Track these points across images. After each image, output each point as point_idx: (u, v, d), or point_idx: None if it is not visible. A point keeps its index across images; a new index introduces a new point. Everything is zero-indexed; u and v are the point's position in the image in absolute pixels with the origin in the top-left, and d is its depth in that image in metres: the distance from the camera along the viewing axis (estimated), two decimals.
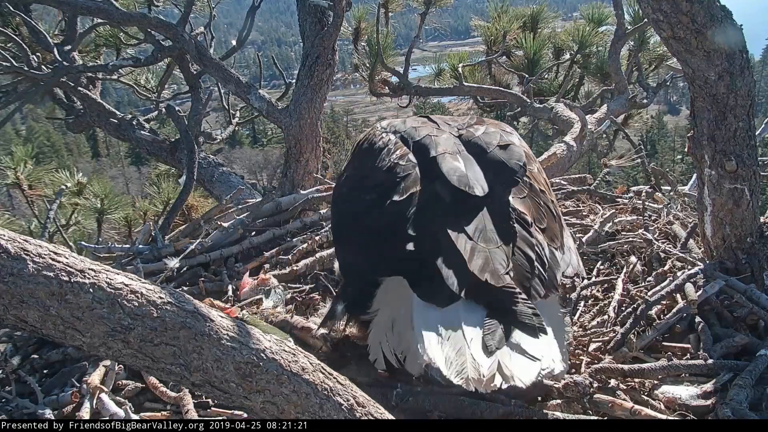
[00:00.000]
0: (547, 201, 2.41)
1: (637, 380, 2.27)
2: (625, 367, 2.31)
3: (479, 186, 2.19)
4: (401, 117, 2.70)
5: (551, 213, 2.38)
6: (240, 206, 4.05)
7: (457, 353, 1.83)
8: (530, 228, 2.18)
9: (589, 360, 2.41)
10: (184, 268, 3.41)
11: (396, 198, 2.17)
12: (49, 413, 2.24)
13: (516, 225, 2.15)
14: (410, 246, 2.09)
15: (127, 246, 3.77)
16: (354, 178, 2.55)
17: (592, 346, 2.50)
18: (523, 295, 1.96)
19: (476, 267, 1.94)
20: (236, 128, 7.18)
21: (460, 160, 2.27)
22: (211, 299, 2.86)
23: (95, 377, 2.30)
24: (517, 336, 1.87)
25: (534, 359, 1.83)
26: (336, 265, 3.01)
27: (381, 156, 2.37)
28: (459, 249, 1.99)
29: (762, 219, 2.89)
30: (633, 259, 3.16)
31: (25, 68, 5.36)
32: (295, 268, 3.33)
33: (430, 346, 1.88)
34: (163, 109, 6.35)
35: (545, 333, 1.92)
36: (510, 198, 2.24)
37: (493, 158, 2.35)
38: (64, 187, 5.59)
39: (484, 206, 2.14)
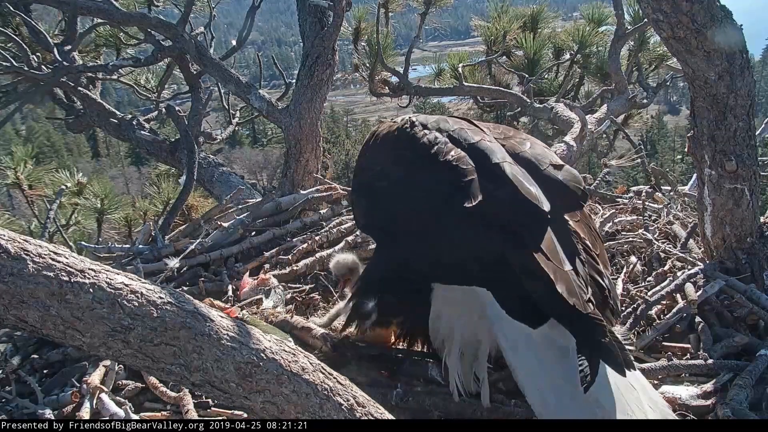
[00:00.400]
0: (595, 226, 2.36)
1: None
2: None
3: (546, 201, 2.07)
4: (429, 115, 2.51)
5: (600, 239, 2.33)
6: (240, 206, 4.05)
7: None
8: (591, 253, 2.14)
9: None
10: (184, 268, 3.41)
11: (467, 204, 2.05)
12: (49, 413, 2.24)
13: (580, 248, 2.11)
14: (492, 257, 2.00)
15: (127, 246, 3.77)
16: (391, 174, 2.35)
17: None
18: (609, 326, 1.92)
19: (562, 289, 1.87)
20: (236, 128, 7.18)
21: (521, 172, 2.15)
22: (211, 299, 2.86)
23: (95, 377, 2.30)
24: (611, 374, 1.88)
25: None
26: (332, 263, 2.93)
27: (431, 155, 2.21)
28: (543, 267, 1.91)
29: (762, 219, 2.90)
30: (633, 259, 3.17)
31: (25, 68, 5.36)
32: (295, 268, 3.33)
33: (547, 398, 1.90)
34: (163, 109, 6.35)
35: (634, 368, 1.94)
36: (568, 219, 2.17)
37: (549, 176, 2.21)
38: (64, 187, 5.58)
39: (548, 224, 2.05)
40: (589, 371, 1.79)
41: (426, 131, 2.31)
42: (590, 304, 1.91)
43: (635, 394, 1.93)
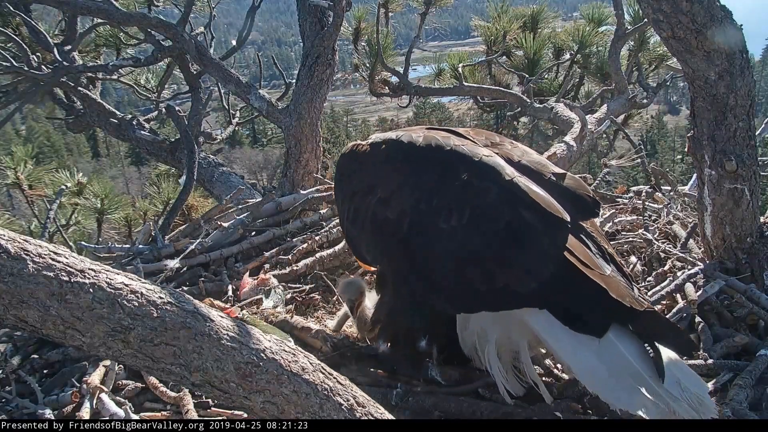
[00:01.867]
0: (602, 232, 2.35)
1: None
2: None
3: (565, 211, 2.06)
4: (410, 129, 2.42)
5: (609, 244, 2.33)
6: (240, 206, 4.05)
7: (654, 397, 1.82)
8: (614, 258, 2.14)
9: None
10: (184, 268, 3.41)
11: (494, 227, 2.04)
12: (49, 413, 2.24)
13: (607, 253, 2.11)
14: (539, 276, 1.97)
15: (127, 246, 3.77)
16: (397, 201, 2.21)
17: None
18: (665, 316, 1.96)
19: (615, 294, 1.88)
20: (236, 128, 7.18)
21: (534, 184, 2.12)
22: (211, 299, 2.86)
23: (95, 377, 2.30)
24: (680, 363, 1.94)
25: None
26: (341, 288, 2.75)
27: (438, 178, 2.15)
28: (591, 276, 1.91)
29: (762, 219, 2.90)
30: (633, 259, 3.17)
31: (25, 68, 5.37)
32: (295, 268, 3.33)
33: (628, 395, 1.84)
34: (163, 109, 6.35)
35: (697, 350, 2.00)
36: (584, 226, 2.16)
37: (555, 185, 2.19)
38: (64, 187, 5.57)
39: (570, 233, 2.04)
40: (658, 362, 1.85)
41: (420, 150, 2.22)
42: (642, 299, 1.95)
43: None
